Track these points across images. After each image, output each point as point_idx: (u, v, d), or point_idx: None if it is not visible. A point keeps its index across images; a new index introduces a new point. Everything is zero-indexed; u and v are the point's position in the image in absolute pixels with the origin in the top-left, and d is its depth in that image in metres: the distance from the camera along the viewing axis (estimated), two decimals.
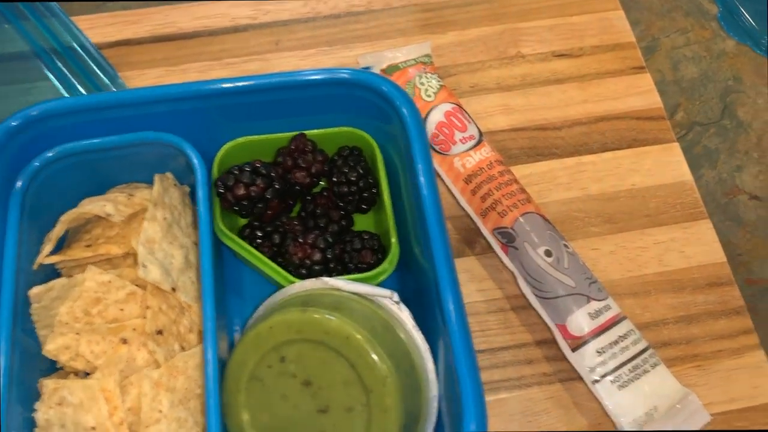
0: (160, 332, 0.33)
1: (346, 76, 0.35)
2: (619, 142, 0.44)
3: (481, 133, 0.41)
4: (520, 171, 0.42)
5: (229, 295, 0.38)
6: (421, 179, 0.33)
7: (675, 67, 0.49)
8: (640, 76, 0.46)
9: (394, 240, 0.35)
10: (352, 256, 0.36)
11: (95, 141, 0.34)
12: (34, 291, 0.32)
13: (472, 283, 0.40)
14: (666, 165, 0.43)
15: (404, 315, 0.32)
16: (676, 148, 0.44)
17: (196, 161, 0.35)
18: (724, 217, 0.44)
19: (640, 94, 0.45)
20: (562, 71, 0.46)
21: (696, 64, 0.50)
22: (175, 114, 0.35)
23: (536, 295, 0.37)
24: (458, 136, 0.41)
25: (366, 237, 0.36)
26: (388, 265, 0.35)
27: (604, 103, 0.45)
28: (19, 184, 0.33)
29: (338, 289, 0.33)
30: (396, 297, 0.32)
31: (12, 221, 0.32)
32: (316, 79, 0.35)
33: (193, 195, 0.38)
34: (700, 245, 0.41)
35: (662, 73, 0.49)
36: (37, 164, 0.34)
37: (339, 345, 0.30)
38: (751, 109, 0.49)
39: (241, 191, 0.35)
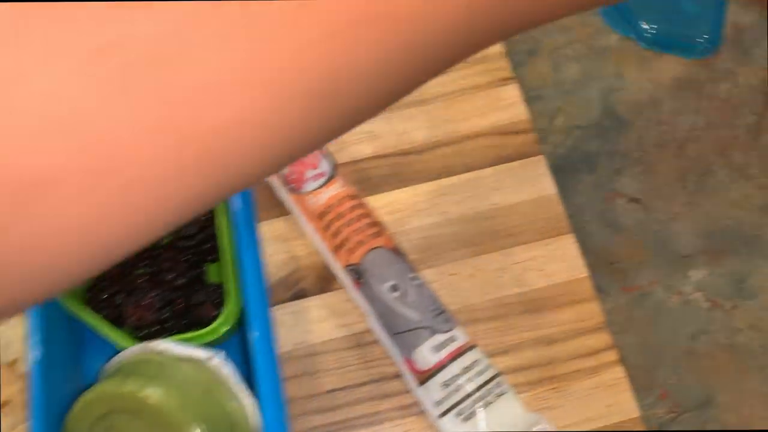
0: (5, 403, 0.35)
1: None
2: (482, 161, 0.43)
3: (334, 168, 0.41)
4: (382, 199, 0.42)
5: (90, 354, 0.39)
6: (240, 229, 0.33)
7: (556, 69, 0.48)
8: (506, 88, 0.45)
9: (232, 292, 0.36)
10: (193, 310, 0.36)
11: None
12: None
13: (333, 319, 0.40)
14: (529, 180, 0.42)
15: (228, 373, 0.33)
16: (540, 161, 0.43)
17: None
18: (601, 223, 0.43)
19: (506, 107, 0.44)
20: (427, 90, 0.45)
21: (578, 64, 0.49)
22: None
23: (385, 331, 0.37)
24: (309, 173, 0.40)
25: (210, 289, 0.37)
26: (225, 319, 0.35)
27: (469, 121, 0.44)
28: None
29: (161, 353, 0.33)
30: (217, 358, 0.33)
31: None
32: None
33: None
34: (561, 262, 0.40)
35: (542, 77, 0.48)
36: None
37: (154, 416, 0.31)
38: (633, 107, 0.48)
39: None
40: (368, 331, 0.40)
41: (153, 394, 0.31)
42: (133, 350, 0.34)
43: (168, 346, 0.33)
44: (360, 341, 0.39)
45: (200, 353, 0.33)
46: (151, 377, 0.32)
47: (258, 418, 0.32)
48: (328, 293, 0.41)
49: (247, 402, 0.32)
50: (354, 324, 0.40)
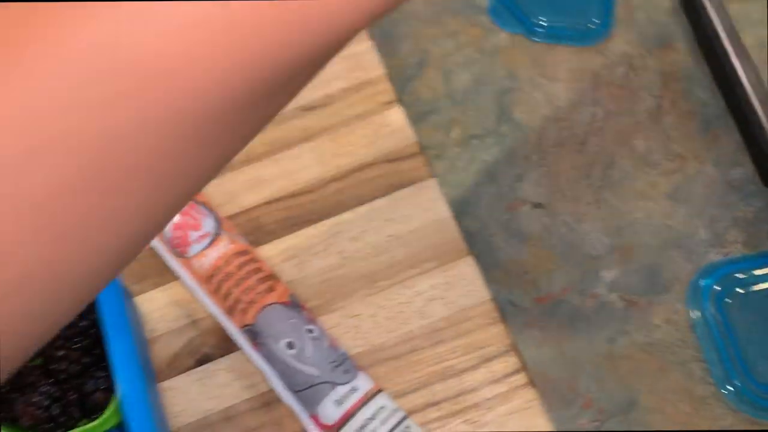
0: None
1: None
2: (374, 191, 0.42)
3: (218, 226, 0.40)
4: (276, 246, 0.41)
5: None
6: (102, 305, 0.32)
7: (447, 79, 0.47)
8: (391, 111, 0.44)
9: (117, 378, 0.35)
10: (86, 399, 0.35)
11: None
12: None
13: (239, 381, 0.39)
14: (422, 206, 0.41)
15: None
16: (431, 184, 0.42)
17: None
18: (507, 235, 0.43)
19: (392, 133, 0.43)
20: (311, 126, 0.44)
21: (469, 70, 0.47)
22: None
23: (286, 389, 0.37)
24: (193, 236, 0.39)
25: (101, 376, 0.36)
26: (115, 406, 0.34)
27: (357, 152, 0.43)
28: None
29: None
30: None
31: None
32: None
33: None
34: (461, 287, 0.39)
35: (434, 90, 0.47)
36: None
37: None
38: (529, 107, 0.46)
39: None
40: (269, 391, 0.39)
41: None
42: None
43: None
44: (269, 400, 0.39)
45: None
46: None
47: None
48: (233, 353, 0.40)
49: None
50: (261, 383, 0.39)
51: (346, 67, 0.45)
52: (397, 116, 0.44)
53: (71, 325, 0.37)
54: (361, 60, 0.45)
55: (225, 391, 0.39)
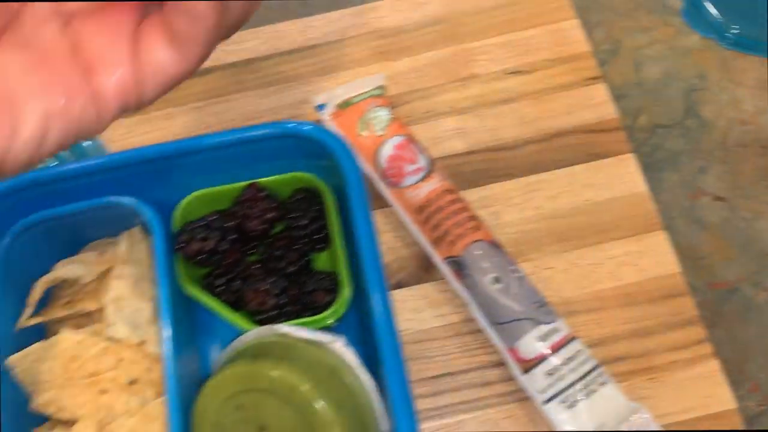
0: (133, 382, 0.36)
1: (287, 129, 0.37)
2: (573, 158, 0.44)
3: (431, 163, 0.42)
4: (475, 194, 0.44)
5: (204, 337, 0.41)
6: (357, 218, 0.35)
7: (638, 69, 0.49)
8: (594, 87, 0.46)
9: (344, 279, 0.37)
10: (305, 297, 0.38)
11: (56, 210, 0.37)
12: (11, 360, 0.35)
13: (431, 309, 0.41)
14: (620, 177, 0.44)
15: (350, 356, 0.34)
16: (630, 159, 0.44)
17: (152, 222, 0.37)
18: (687, 220, 0.44)
19: (594, 106, 0.46)
20: (515, 89, 0.47)
21: (659, 64, 0.50)
22: (136, 176, 0.38)
23: (488, 321, 0.39)
24: (408, 168, 0.42)
25: (321, 277, 0.38)
26: (338, 306, 0.37)
27: (558, 118, 0.45)
28: None
29: (287, 335, 0.35)
30: (340, 342, 0.34)
31: None
32: (261, 134, 0.37)
33: None
34: (654, 257, 0.41)
35: (624, 76, 0.49)
36: (8, 239, 0.37)
37: (286, 395, 0.32)
38: (716, 107, 0.48)
39: (196, 248, 0.37)
40: (464, 321, 0.41)
41: (283, 373, 0.32)
42: (256, 333, 0.36)
43: (290, 329, 0.35)
44: (457, 331, 0.41)
45: (323, 336, 0.34)
46: (280, 358, 0.33)
47: (379, 399, 0.34)
48: (424, 284, 0.42)
49: (368, 384, 0.34)
50: (449, 315, 0.41)
51: (551, 40, 0.48)
52: (600, 91, 0.46)
53: (294, 227, 0.40)
54: (567, 35, 0.48)
55: (416, 316, 0.41)
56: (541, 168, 0.44)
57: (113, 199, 0.38)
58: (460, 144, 0.45)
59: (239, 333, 0.37)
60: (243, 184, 0.40)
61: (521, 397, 0.39)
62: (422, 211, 0.41)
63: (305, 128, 0.37)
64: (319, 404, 0.32)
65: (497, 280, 0.39)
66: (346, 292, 0.37)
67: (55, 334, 0.37)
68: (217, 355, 0.40)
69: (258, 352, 0.34)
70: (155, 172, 0.38)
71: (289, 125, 0.37)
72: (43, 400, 0.36)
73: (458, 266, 0.40)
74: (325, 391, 0.32)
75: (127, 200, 0.38)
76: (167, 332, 0.35)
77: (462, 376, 0.40)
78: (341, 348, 0.34)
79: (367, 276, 0.33)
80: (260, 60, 0.49)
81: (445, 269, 0.40)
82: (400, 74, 0.48)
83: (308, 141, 0.37)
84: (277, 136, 0.37)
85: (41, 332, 0.39)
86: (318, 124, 0.38)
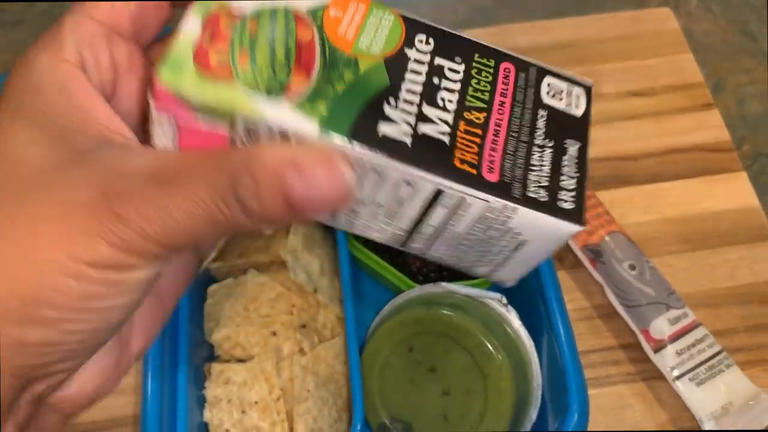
0: (304, 326, 0.40)
1: None
2: (690, 172, 0.49)
3: None
4: (603, 196, 0.48)
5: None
6: None
7: (740, 104, 0.54)
8: (708, 112, 0.51)
9: None
10: None
11: None
12: (212, 288, 0.39)
13: (564, 294, 0.45)
14: (734, 192, 0.48)
15: (511, 315, 0.38)
16: (743, 177, 0.49)
17: None
18: None
19: (709, 128, 0.51)
20: (637, 108, 0.52)
21: (760, 102, 0.55)
22: None
23: (622, 304, 0.43)
24: None
25: None
26: None
27: (676, 136, 0.50)
28: None
29: (454, 293, 0.39)
30: (504, 300, 0.38)
31: None
32: None
33: None
34: (766, 263, 0.45)
35: (728, 109, 0.54)
36: None
37: (460, 337, 0.36)
38: None
39: None
40: (592, 306, 0.45)
41: (459, 317, 0.36)
42: (420, 289, 0.40)
43: (456, 287, 0.39)
44: (586, 315, 0.45)
45: (489, 294, 0.38)
46: (454, 306, 0.37)
47: (536, 357, 0.37)
48: (558, 272, 0.46)
49: (528, 343, 0.38)
50: (577, 300, 0.45)
51: (668, 69, 0.53)
52: (714, 116, 0.51)
53: None
54: (683, 66, 0.53)
55: None
56: (660, 178, 0.49)
57: None
58: (591, 151, 0.50)
59: (385, 295, 0.41)
60: None
61: (647, 376, 0.42)
62: None
63: None
64: (491, 347, 0.35)
65: (633, 267, 0.43)
66: None
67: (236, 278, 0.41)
68: (360, 314, 0.43)
69: (430, 301, 0.38)
70: None
71: None
72: (221, 335, 0.40)
73: (595, 254, 0.44)
74: (495, 338, 0.36)
75: None
76: (346, 281, 0.38)
77: (591, 355, 0.43)
78: (503, 307, 0.38)
79: None
80: None
81: (582, 256, 0.45)
82: None
83: None
84: None
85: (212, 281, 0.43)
86: None
